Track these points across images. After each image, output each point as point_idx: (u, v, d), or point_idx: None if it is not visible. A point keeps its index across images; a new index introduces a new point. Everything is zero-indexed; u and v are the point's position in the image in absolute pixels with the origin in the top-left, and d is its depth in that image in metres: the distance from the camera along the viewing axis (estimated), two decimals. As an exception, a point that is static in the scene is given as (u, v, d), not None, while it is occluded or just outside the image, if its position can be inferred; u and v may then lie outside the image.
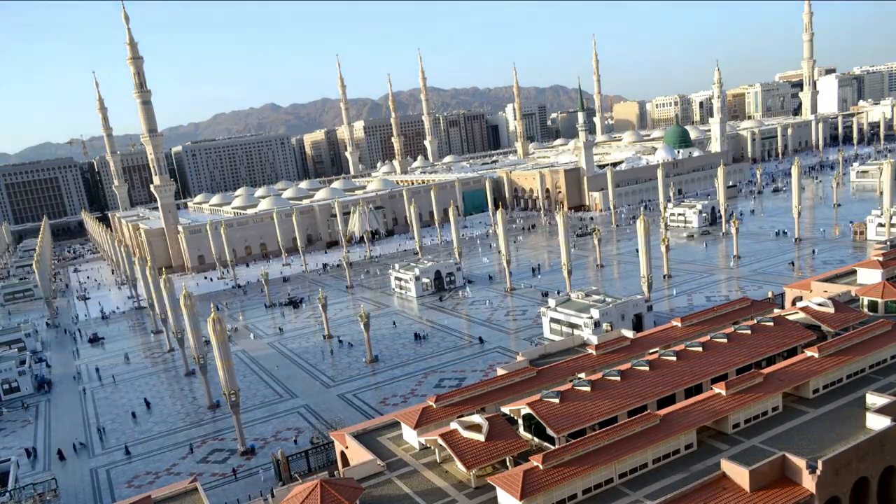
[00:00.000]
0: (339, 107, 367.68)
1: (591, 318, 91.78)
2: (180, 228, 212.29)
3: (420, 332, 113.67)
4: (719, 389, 52.15)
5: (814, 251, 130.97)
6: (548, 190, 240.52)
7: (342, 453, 62.56)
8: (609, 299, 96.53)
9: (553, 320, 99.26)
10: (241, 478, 71.20)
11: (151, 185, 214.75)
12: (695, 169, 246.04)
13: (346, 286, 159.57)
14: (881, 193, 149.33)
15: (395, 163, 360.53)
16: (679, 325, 72.14)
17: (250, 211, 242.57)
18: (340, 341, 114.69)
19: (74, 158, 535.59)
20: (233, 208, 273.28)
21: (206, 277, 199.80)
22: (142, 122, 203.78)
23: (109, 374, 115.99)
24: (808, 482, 41.35)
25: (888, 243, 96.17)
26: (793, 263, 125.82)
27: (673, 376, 57.64)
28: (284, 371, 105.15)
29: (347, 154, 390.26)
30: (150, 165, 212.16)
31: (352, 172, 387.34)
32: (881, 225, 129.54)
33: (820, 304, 67.86)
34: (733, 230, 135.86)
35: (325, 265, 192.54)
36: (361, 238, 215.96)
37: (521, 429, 55.80)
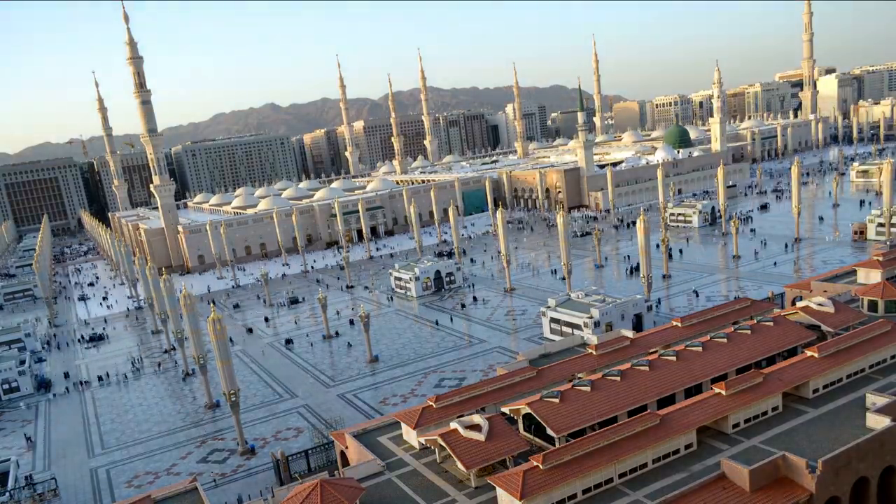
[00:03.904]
0: (339, 107, 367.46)
1: (591, 318, 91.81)
2: (180, 228, 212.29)
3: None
4: (719, 389, 52.16)
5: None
6: (548, 190, 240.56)
7: (342, 453, 62.58)
8: (609, 299, 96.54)
9: (553, 320, 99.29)
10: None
11: (151, 185, 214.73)
12: (695, 169, 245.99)
13: (346, 286, 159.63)
14: (880, 194, 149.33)
15: (395, 163, 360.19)
16: (679, 325, 72.22)
17: (250, 211, 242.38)
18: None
19: (74, 158, 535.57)
20: (233, 208, 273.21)
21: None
22: (141, 122, 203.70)
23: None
24: (808, 482, 41.34)
25: (888, 243, 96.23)
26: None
27: (673, 376, 57.68)
28: (284, 371, 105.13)
29: (347, 154, 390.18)
30: (150, 165, 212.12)
31: (352, 172, 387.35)
32: (881, 225, 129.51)
33: (820, 304, 67.85)
34: (733, 230, 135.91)
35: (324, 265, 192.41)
36: (361, 237, 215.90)
37: (521, 429, 55.84)
